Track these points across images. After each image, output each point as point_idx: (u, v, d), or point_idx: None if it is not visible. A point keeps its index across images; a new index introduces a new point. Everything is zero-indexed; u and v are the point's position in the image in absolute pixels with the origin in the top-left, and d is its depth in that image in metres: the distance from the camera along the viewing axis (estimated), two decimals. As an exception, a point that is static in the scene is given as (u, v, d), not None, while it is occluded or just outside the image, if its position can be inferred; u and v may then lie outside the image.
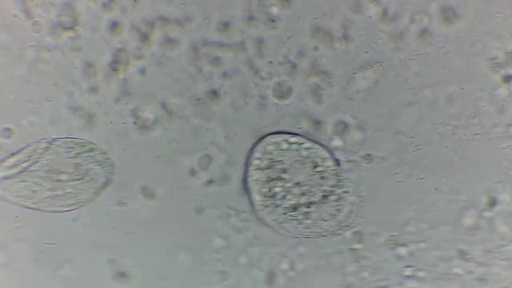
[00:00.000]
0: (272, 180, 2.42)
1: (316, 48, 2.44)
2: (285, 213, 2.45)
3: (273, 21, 2.41)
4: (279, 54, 2.46)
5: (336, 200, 2.45)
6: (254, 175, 2.47)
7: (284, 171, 2.44)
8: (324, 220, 2.45)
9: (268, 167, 2.45)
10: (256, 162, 2.45)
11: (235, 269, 2.55)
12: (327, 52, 2.44)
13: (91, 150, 2.43)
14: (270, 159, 2.44)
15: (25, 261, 2.52)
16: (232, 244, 2.54)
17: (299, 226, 2.45)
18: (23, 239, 2.53)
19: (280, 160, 2.44)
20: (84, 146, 2.44)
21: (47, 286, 2.53)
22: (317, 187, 2.45)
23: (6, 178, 2.38)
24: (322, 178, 2.44)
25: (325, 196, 2.45)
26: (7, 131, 2.45)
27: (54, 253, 2.53)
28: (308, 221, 2.46)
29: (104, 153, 2.45)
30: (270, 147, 2.46)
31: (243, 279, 2.55)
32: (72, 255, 2.53)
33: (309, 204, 2.44)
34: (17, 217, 2.50)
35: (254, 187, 2.47)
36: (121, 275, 2.53)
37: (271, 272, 2.52)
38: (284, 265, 2.55)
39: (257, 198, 2.46)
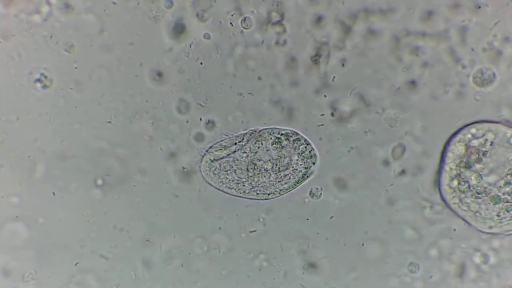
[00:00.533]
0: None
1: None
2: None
3: (479, 7, 2.30)
4: (483, 41, 2.35)
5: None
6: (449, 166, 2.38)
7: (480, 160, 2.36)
8: None
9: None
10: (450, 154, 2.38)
11: (426, 261, 2.49)
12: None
13: (296, 140, 2.41)
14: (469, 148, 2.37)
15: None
16: (424, 236, 2.46)
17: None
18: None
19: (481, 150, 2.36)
20: (291, 136, 2.43)
21: (241, 273, 2.59)
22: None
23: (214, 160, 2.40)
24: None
25: None
26: (211, 124, 2.49)
27: (250, 244, 2.55)
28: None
29: (308, 144, 2.42)
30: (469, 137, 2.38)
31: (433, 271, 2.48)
32: (264, 246, 2.56)
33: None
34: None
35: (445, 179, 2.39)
36: (311, 266, 2.52)
37: (462, 265, 2.46)
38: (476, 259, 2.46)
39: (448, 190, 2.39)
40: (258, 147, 2.46)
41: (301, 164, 2.45)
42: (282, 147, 2.44)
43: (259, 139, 2.44)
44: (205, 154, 2.46)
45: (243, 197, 2.51)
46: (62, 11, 2.44)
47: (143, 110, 2.50)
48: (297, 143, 2.45)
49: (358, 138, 2.49)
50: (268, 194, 2.49)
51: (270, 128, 2.49)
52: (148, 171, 2.55)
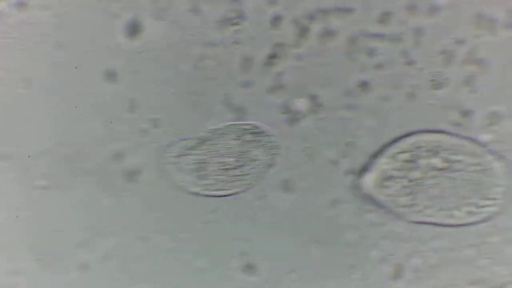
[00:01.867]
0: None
1: (477, 36, 2.30)
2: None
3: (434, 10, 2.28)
4: (438, 44, 2.34)
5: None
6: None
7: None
8: None
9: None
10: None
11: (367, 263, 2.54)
12: (489, 39, 2.29)
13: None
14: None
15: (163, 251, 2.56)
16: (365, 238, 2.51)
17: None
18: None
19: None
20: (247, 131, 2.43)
21: (182, 274, 2.58)
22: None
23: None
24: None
25: None
26: (156, 121, 2.46)
27: (191, 245, 2.55)
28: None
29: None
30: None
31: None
32: (207, 247, 2.55)
33: None
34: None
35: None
36: (250, 267, 2.55)
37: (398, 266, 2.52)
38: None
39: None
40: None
41: (265, 158, 2.44)
42: (246, 141, 2.44)
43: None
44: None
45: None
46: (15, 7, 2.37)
47: (97, 110, 2.47)
48: (259, 137, 2.43)
49: (311, 139, 2.46)
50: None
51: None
52: (93, 172, 2.53)
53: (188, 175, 2.47)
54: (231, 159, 2.44)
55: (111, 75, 2.44)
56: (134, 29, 2.37)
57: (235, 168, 2.44)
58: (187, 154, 2.45)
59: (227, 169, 2.44)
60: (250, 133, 2.43)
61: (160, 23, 2.41)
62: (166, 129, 2.50)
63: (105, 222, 2.56)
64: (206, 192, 2.51)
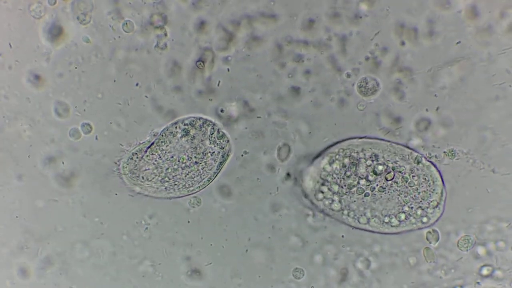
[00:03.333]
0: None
1: (402, 44, 2.36)
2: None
3: (360, 17, 2.34)
4: (364, 51, 2.39)
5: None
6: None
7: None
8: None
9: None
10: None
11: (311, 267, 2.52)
12: (413, 48, 2.36)
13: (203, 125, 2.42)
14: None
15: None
16: (308, 243, 2.49)
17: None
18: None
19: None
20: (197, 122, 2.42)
21: (125, 279, 2.54)
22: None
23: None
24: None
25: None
26: (88, 126, 2.46)
27: (132, 249, 2.51)
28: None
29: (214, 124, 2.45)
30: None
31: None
32: (149, 251, 2.52)
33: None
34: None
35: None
36: (195, 272, 2.52)
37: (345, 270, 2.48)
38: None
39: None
40: (168, 145, 2.42)
41: (215, 146, 2.41)
42: (193, 137, 2.41)
43: (164, 138, 2.41)
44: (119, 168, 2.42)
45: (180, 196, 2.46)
46: None
47: (20, 113, 2.45)
48: (204, 128, 2.41)
49: (245, 143, 2.46)
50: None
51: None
52: (25, 176, 2.48)
53: (128, 178, 2.41)
54: (185, 156, 2.41)
55: (35, 78, 2.43)
56: (56, 32, 2.39)
57: (188, 167, 2.40)
58: (132, 158, 2.41)
59: (175, 169, 2.41)
60: (195, 127, 2.42)
61: (83, 27, 2.42)
62: (97, 132, 2.47)
63: (42, 226, 2.51)
64: (148, 196, 2.46)
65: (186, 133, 2.40)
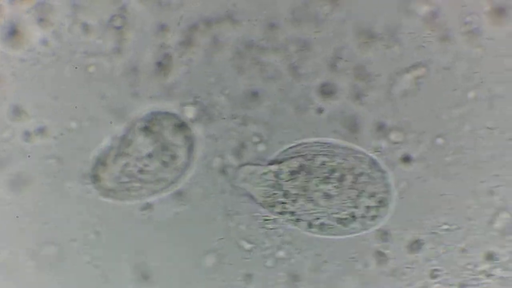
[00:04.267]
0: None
1: (361, 50, 2.35)
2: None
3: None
4: (323, 56, 2.38)
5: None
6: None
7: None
8: None
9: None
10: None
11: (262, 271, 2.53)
12: (372, 54, 2.35)
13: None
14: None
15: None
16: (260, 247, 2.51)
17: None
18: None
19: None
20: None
21: (72, 283, 2.51)
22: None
23: None
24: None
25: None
26: (44, 129, 2.42)
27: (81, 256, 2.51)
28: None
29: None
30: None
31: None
32: (97, 255, 2.51)
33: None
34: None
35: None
36: (145, 277, 2.51)
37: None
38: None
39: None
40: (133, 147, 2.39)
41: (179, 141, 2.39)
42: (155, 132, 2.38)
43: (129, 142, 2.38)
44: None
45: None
46: None
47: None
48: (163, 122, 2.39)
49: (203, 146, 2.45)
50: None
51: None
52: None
53: (79, 183, 2.37)
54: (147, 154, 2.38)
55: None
56: (12, 34, 2.31)
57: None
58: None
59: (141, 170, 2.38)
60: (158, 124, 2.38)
61: (42, 31, 2.34)
62: (54, 135, 2.43)
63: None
64: (99, 201, 2.45)
65: (148, 131, 2.36)
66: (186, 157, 2.42)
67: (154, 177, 2.40)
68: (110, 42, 2.40)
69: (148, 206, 2.39)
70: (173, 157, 2.39)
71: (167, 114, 2.39)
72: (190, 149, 2.43)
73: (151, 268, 2.55)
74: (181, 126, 2.40)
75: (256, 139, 2.44)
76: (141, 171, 2.39)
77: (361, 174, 2.43)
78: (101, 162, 2.38)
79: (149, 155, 2.36)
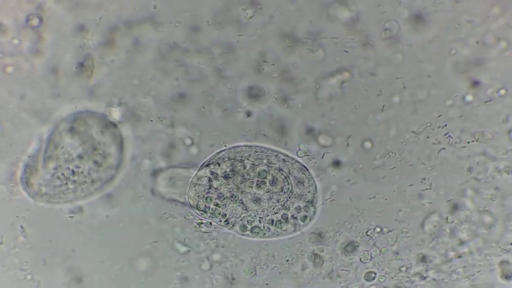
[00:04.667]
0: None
1: (285, 53, 2.39)
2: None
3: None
4: (248, 60, 2.41)
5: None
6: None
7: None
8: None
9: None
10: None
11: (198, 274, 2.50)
12: (296, 58, 2.39)
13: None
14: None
15: None
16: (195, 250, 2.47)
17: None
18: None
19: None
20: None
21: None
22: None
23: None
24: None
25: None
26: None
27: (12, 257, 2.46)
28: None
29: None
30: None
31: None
32: (27, 259, 2.47)
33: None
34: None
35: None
36: (78, 280, 2.47)
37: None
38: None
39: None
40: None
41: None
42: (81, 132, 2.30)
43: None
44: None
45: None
46: None
47: None
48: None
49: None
50: None
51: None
52: None
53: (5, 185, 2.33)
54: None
55: None
56: None
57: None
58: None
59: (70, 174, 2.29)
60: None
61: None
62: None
63: None
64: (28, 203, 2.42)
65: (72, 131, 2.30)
66: (118, 154, 2.35)
67: (88, 178, 2.30)
68: (27, 43, 2.34)
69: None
70: (104, 156, 2.32)
71: (91, 113, 2.33)
72: (120, 146, 2.36)
73: (83, 272, 2.50)
74: (107, 125, 2.35)
75: (188, 141, 2.39)
76: (73, 173, 2.29)
77: (288, 176, 2.42)
78: (30, 167, 2.28)
79: (79, 156, 2.28)
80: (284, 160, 2.43)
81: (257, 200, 2.40)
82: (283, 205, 2.43)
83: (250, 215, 2.41)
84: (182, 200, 2.42)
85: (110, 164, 2.37)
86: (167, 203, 2.45)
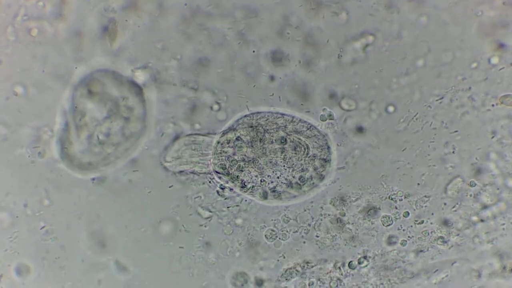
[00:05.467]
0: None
1: (309, 17, 2.36)
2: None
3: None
4: (271, 24, 2.39)
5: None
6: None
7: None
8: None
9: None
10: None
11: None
12: (320, 22, 2.36)
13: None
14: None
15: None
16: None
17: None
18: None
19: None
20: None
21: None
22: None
23: None
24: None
25: None
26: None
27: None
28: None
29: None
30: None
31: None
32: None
33: None
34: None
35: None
36: (101, 245, 2.50)
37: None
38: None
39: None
40: None
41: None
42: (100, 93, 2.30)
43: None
44: None
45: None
46: None
47: None
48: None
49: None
50: None
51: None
52: None
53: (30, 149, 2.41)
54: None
55: None
56: None
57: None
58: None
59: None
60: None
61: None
62: None
63: None
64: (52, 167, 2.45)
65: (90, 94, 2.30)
66: (141, 105, 2.34)
67: (122, 136, 2.30)
68: (51, 6, 2.33)
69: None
70: (130, 108, 2.32)
71: (101, 71, 2.32)
72: (140, 96, 2.34)
73: (107, 236, 2.52)
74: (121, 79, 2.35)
75: (215, 106, 2.38)
76: (107, 135, 2.29)
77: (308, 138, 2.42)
78: (64, 141, 2.29)
79: (106, 118, 2.29)
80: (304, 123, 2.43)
81: (275, 164, 2.40)
82: (301, 166, 2.43)
83: (272, 179, 2.42)
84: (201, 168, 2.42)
85: (137, 116, 2.36)
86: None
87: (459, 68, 2.41)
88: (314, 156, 2.46)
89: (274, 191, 2.45)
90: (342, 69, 2.42)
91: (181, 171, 2.42)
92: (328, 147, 2.47)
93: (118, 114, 2.36)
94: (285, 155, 2.43)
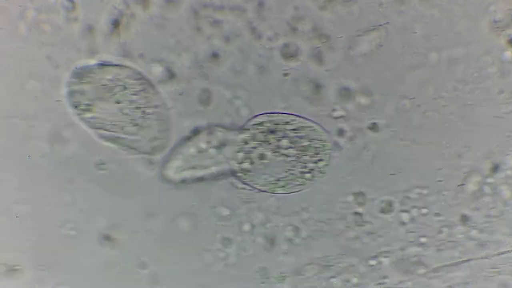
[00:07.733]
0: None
1: (320, 9, 2.35)
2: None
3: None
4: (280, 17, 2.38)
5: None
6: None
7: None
8: None
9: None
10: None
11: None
12: (331, 15, 2.35)
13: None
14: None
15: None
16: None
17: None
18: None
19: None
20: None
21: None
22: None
23: None
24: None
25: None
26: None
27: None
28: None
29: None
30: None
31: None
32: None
33: None
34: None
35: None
36: (108, 239, 2.48)
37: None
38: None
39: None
40: None
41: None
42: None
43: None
44: None
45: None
46: None
47: None
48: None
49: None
50: None
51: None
52: None
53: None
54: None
55: None
56: None
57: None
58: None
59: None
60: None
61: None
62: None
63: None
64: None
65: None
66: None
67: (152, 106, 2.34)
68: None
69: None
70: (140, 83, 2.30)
71: (86, 68, 2.30)
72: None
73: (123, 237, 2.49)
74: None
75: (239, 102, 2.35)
76: (143, 112, 2.35)
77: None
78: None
79: (118, 102, 2.27)
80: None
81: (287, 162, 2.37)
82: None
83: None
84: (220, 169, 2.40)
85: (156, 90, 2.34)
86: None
87: (472, 62, 2.39)
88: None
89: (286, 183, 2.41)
90: (353, 63, 2.40)
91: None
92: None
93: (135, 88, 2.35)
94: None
